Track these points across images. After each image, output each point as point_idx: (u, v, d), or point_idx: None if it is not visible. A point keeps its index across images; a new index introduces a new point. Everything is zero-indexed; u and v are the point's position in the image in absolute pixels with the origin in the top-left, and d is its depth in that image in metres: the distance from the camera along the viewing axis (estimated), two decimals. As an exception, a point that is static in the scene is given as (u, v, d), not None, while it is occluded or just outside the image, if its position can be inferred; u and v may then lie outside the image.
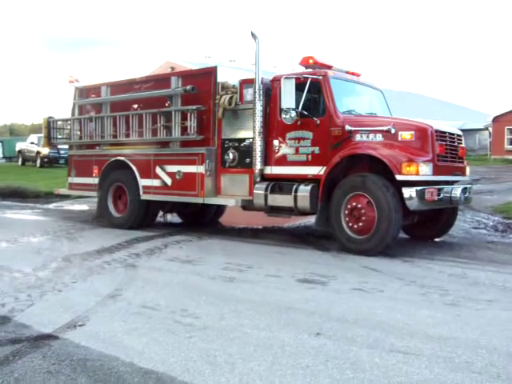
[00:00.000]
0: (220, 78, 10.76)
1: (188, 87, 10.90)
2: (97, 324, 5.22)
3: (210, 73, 10.88)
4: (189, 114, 10.92)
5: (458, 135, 9.91)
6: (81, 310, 5.66)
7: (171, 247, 9.75)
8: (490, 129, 48.63)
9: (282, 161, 10.01)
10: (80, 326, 5.16)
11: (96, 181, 12.63)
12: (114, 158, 12.23)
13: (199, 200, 10.94)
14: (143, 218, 12.01)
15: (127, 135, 12.13)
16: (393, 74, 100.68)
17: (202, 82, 10.93)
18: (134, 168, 11.78)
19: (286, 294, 6.47)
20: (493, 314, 5.68)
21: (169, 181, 11.23)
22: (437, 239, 10.72)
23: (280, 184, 9.89)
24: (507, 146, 46.39)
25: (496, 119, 47.44)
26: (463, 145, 10.06)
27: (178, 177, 11.07)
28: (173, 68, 35.81)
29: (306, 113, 9.59)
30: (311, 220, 11.36)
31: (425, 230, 10.60)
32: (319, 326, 5.13)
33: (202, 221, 13.05)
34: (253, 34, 9.92)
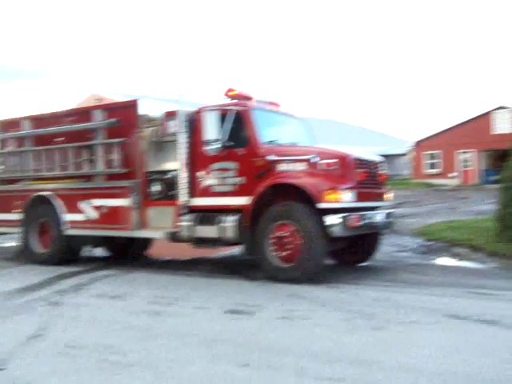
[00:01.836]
0: (145, 110, 10.73)
1: (111, 120, 10.85)
2: (18, 367, 5.06)
3: (133, 105, 10.82)
4: (113, 147, 10.83)
5: (378, 162, 10.22)
6: (0, 353, 5.47)
7: (98, 282, 9.58)
8: (411, 154, 50.33)
9: (208, 192, 10.04)
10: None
11: (19, 217, 12.28)
12: (37, 193, 11.95)
13: (126, 233, 10.83)
14: (69, 253, 11.74)
15: (51, 169, 11.89)
16: (316, 102, 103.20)
17: (125, 115, 10.87)
18: (58, 203, 11.54)
19: (213, 325, 6.47)
20: (416, 335, 5.86)
21: (94, 215, 11.06)
22: (362, 264, 10.96)
23: (206, 215, 9.90)
24: (427, 170, 48.10)
25: (417, 144, 49.21)
26: (384, 171, 10.39)
27: (103, 210, 10.92)
28: (100, 100, 35.40)
29: (229, 144, 9.69)
30: (239, 250, 11.42)
31: (350, 255, 10.83)
32: (247, 357, 5.16)
33: (130, 254, 12.87)
34: (176, 70, 9.99)
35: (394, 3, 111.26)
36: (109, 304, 7.83)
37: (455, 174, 46.30)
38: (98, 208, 11.00)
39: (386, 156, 51.19)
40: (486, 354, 5.13)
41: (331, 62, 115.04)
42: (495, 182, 21.81)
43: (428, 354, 5.12)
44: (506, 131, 39.08)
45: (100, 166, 11.07)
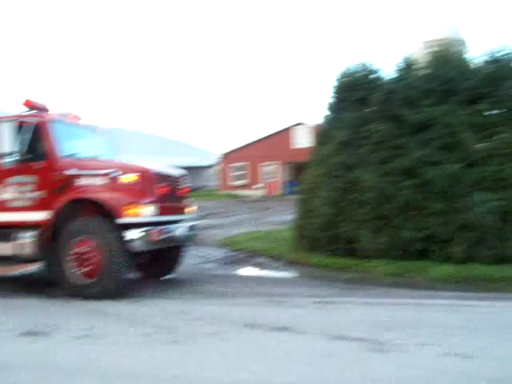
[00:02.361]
0: None
1: None
2: None
3: None
4: None
5: (180, 176, 10.37)
6: None
7: None
8: (218, 166, 51.63)
9: (4, 207, 9.50)
10: None
11: None
12: None
13: None
14: None
15: None
16: (124, 113, 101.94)
17: None
18: None
19: (5, 349, 6.13)
20: (214, 347, 6.01)
21: None
22: (166, 277, 11.03)
23: (1, 231, 9.36)
24: (233, 182, 49.62)
25: (223, 156, 50.57)
26: (186, 185, 10.56)
27: None
28: None
29: (27, 157, 9.27)
30: (38, 267, 10.93)
31: (154, 268, 10.86)
32: (37, 381, 4.96)
33: None
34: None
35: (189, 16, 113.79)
36: None
37: (260, 185, 48.27)
38: None
39: (193, 168, 51.39)
40: (279, 360, 5.42)
41: (141, 74, 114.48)
42: (296, 193, 23.11)
43: (225, 366, 5.28)
44: (304, 146, 41.62)
45: None
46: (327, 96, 13.25)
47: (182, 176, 10.49)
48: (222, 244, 15.73)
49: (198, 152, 64.82)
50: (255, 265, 12.72)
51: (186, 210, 10.52)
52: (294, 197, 15.19)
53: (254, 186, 48.16)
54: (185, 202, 10.50)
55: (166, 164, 10.96)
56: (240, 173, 49.77)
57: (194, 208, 10.99)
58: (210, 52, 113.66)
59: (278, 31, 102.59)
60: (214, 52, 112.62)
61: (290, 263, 12.42)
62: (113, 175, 9.04)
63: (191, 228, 10.39)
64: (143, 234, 8.71)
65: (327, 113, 13.32)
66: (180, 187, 10.27)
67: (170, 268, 11.03)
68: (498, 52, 12.06)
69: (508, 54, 11.98)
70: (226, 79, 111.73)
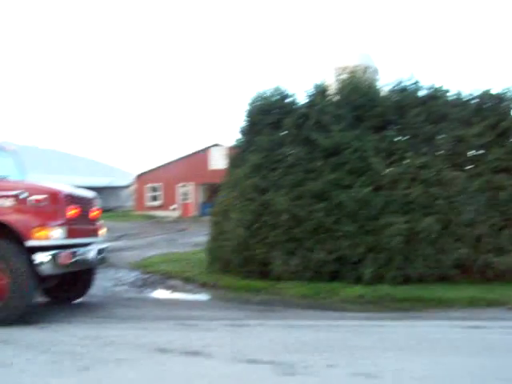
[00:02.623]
0: None
1: None
2: None
3: None
4: None
5: (91, 198, 10.18)
6: None
7: None
8: (134, 186, 50.98)
9: None
10: None
11: None
12: None
13: None
14: None
15: None
16: (39, 131, 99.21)
17: None
18: None
19: None
20: (122, 373, 5.89)
21: None
22: (77, 301, 10.75)
23: None
24: (148, 203, 49.10)
25: (139, 177, 50.00)
26: (97, 207, 10.37)
27: None
28: None
29: None
30: None
31: (64, 292, 10.55)
32: None
33: None
34: None
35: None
36: None
37: (176, 206, 47.96)
38: None
39: (110, 188, 50.48)
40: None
41: (58, 92, 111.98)
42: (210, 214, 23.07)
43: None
44: (221, 167, 41.70)
45: None
46: (241, 119, 13.39)
47: (94, 198, 10.30)
48: (136, 266, 15.50)
49: (115, 172, 63.72)
50: (168, 287, 12.61)
51: (98, 232, 10.32)
52: (209, 218, 15.20)
53: (170, 207, 47.79)
54: (97, 224, 10.30)
55: (78, 184, 10.73)
56: (156, 193, 49.30)
57: (105, 230, 10.79)
58: (126, 74, 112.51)
59: (194, 51, 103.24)
60: (131, 73, 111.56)
61: (204, 285, 12.39)
62: (22, 196, 8.76)
63: (103, 250, 10.20)
64: (53, 257, 8.46)
65: (240, 136, 13.46)
66: (92, 209, 10.07)
67: (80, 291, 10.75)
68: (406, 81, 12.64)
69: (414, 83, 12.56)
70: (144, 99, 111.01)
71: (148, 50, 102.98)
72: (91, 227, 10.03)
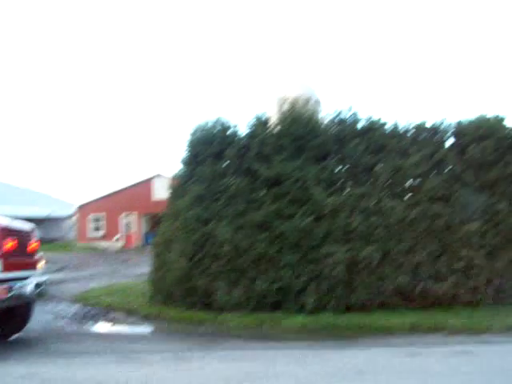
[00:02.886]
0: None
1: None
2: None
3: None
4: None
5: (30, 230, 9.97)
6: None
7: None
8: (76, 217, 50.14)
9: None
10: None
11: None
12: None
13: None
14: None
15: None
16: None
17: None
18: None
19: None
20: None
21: None
22: (14, 337, 10.43)
23: None
24: (91, 233, 48.33)
25: (81, 207, 49.23)
26: (36, 239, 10.15)
27: None
28: None
29: None
30: None
31: (0, 328, 10.24)
32: None
33: None
34: None
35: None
36: None
37: (119, 236, 47.33)
38: None
39: (51, 219, 49.40)
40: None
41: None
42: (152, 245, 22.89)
43: None
44: (163, 197, 41.48)
45: None
46: (183, 149, 13.40)
47: (32, 229, 10.09)
48: (77, 299, 15.17)
49: (56, 202, 62.46)
50: (110, 320, 12.38)
51: (37, 264, 10.09)
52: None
53: (113, 238, 47.14)
54: (35, 256, 10.07)
55: (18, 215, 10.50)
56: (98, 224, 48.58)
57: (46, 262, 10.57)
58: (69, 104, 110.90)
59: (135, 79, 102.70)
60: (74, 104, 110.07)
61: (146, 317, 12.23)
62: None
63: (42, 283, 9.96)
64: (-13, 292, 8.23)
65: (181, 167, 13.48)
66: (30, 241, 9.85)
67: (18, 327, 10.43)
68: (345, 113, 12.93)
69: (353, 115, 12.87)
70: (87, 129, 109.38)
71: (87, 79, 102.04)
72: (29, 260, 9.79)
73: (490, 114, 12.90)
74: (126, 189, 47.83)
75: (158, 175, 45.33)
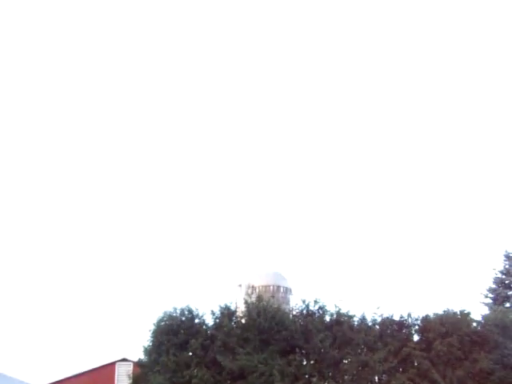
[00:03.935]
0: None
1: None
2: None
3: None
4: None
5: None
6: None
7: None
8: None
9: None
10: None
11: None
12: None
13: None
14: None
15: None
16: None
17: None
18: None
19: None
20: None
21: None
22: None
23: None
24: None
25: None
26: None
27: None
28: None
29: None
30: None
31: None
32: None
33: None
34: None
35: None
36: None
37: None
38: None
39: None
40: None
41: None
42: None
43: None
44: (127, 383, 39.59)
45: None
46: (146, 337, 13.12)
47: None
48: None
49: (12, 382, 59.20)
50: None
51: None
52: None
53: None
54: None
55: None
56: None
57: None
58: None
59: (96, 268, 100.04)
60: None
61: None
62: None
63: None
64: None
65: (143, 356, 13.15)
66: None
67: None
68: (313, 305, 12.97)
69: (321, 307, 12.90)
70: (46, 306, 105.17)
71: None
72: None
73: (456, 308, 13.03)
74: (86, 372, 45.64)
75: (123, 359, 43.61)
